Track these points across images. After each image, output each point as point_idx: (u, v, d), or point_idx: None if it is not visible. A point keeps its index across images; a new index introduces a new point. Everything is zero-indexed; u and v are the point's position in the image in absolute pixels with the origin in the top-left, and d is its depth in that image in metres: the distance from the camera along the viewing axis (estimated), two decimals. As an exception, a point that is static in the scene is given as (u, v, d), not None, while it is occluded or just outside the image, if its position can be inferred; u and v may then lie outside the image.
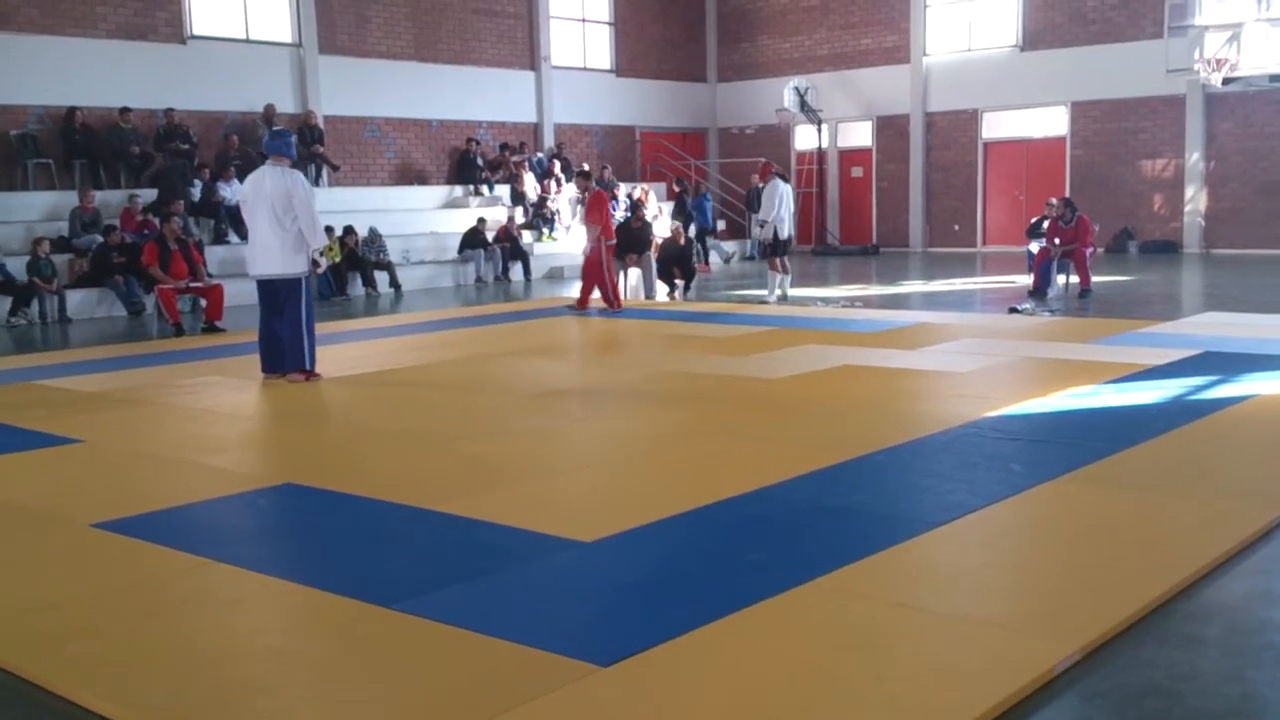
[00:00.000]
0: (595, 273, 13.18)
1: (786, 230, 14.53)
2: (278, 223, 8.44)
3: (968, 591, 3.93)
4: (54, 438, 6.77)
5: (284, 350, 8.70)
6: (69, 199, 15.69)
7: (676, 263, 15.09)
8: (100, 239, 14.74)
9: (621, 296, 13.53)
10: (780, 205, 14.30)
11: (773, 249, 14.39)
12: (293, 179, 8.56)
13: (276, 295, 8.64)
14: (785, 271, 14.56)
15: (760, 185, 14.95)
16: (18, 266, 13.97)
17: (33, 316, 13.79)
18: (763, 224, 14.29)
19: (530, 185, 20.95)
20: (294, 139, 9.17)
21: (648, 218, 15.68)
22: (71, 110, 16.30)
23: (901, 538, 4.40)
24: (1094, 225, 14.92)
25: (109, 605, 3.99)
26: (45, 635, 3.72)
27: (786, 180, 15.25)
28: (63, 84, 16.37)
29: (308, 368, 8.69)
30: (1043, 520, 4.76)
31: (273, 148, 8.68)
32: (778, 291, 14.39)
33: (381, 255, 17.25)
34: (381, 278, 16.97)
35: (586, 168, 16.45)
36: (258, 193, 8.52)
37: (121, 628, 3.78)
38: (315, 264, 8.84)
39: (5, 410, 7.71)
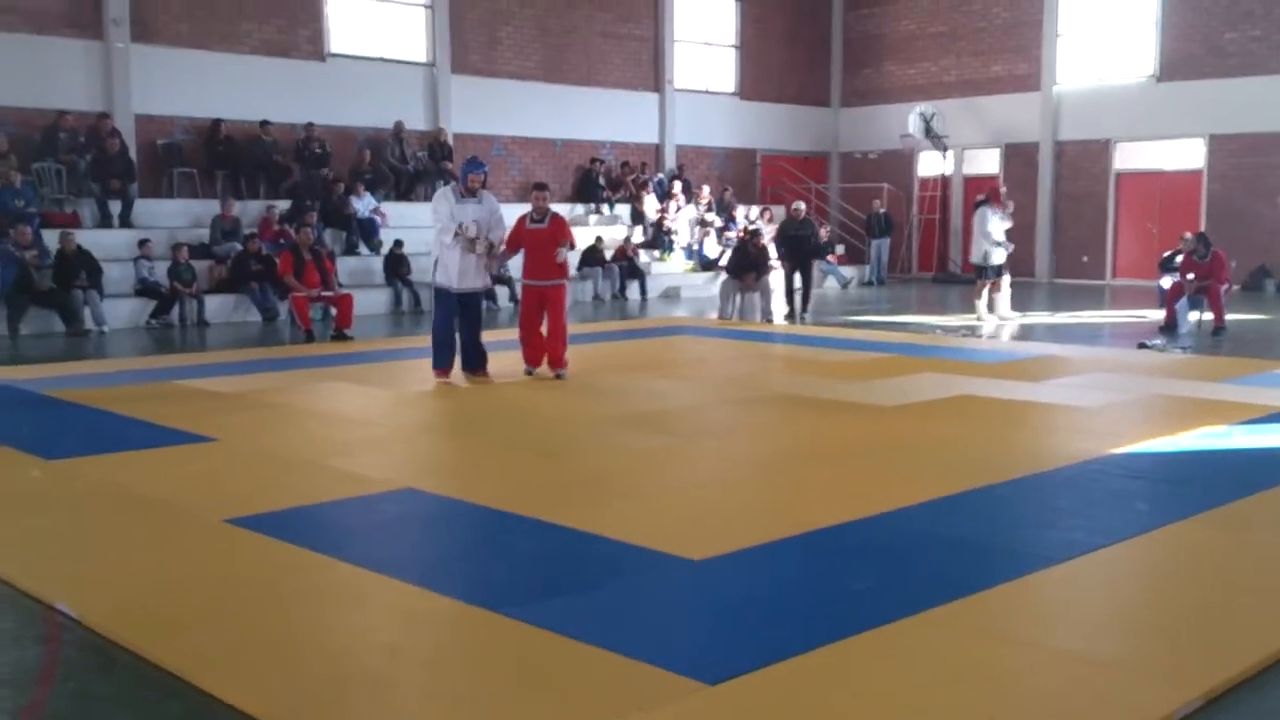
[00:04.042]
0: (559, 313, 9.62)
1: (976, 256, 14.85)
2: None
3: (1086, 631, 3.84)
4: (191, 435, 7.08)
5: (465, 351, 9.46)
6: (210, 207, 16.36)
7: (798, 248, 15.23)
8: (239, 246, 15.34)
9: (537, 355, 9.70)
10: (979, 231, 14.77)
11: (980, 272, 14.95)
12: (493, 202, 9.40)
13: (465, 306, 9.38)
14: (977, 297, 14.92)
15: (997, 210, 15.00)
16: (160, 271, 14.62)
17: (172, 319, 14.41)
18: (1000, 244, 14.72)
19: (650, 205, 21.11)
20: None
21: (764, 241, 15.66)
22: (216, 122, 17.03)
23: (1018, 573, 4.32)
24: (1230, 261, 14.40)
25: (238, 596, 4.16)
26: (175, 622, 3.90)
27: (983, 204, 15.16)
28: (208, 97, 17.10)
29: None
30: (1167, 562, 4.62)
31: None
32: (988, 320, 14.60)
33: (503, 270, 17.54)
34: (502, 292, 17.27)
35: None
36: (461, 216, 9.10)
37: (248, 618, 3.94)
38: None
39: (146, 408, 8.07)
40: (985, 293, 14.86)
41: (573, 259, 18.63)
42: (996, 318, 14.62)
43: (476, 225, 9.09)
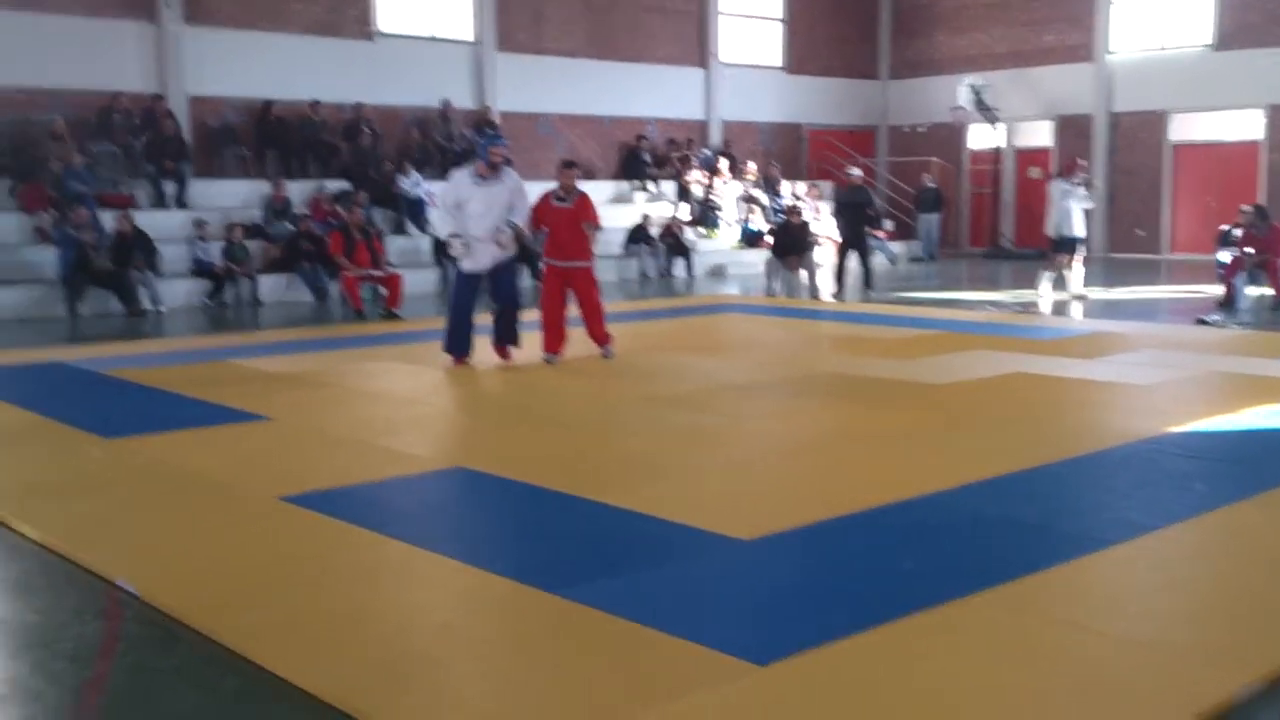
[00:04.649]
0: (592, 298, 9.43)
1: (1053, 229, 14.38)
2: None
3: (1141, 614, 3.79)
4: (245, 414, 7.18)
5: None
6: (262, 187, 16.53)
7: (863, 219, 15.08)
8: (291, 226, 15.49)
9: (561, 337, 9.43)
10: (1053, 205, 14.34)
11: (1054, 246, 14.45)
12: (515, 179, 8.99)
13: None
14: (1063, 269, 14.44)
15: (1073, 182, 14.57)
16: (215, 251, 14.80)
17: (227, 299, 14.60)
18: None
19: (696, 182, 21.03)
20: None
21: (806, 217, 15.51)
22: (266, 103, 17.18)
23: (1071, 555, 4.27)
24: (1290, 235, 14.08)
25: (293, 572, 4.22)
26: (233, 598, 3.96)
27: (1059, 178, 14.86)
28: (258, 77, 17.26)
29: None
30: (1226, 543, 4.55)
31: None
32: (1054, 293, 14.23)
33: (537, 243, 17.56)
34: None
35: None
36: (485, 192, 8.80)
37: (303, 595, 3.99)
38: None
39: (201, 386, 8.20)
40: (1051, 269, 14.48)
41: (617, 238, 18.79)
42: (1070, 295, 14.33)
43: (463, 243, 8.79)
